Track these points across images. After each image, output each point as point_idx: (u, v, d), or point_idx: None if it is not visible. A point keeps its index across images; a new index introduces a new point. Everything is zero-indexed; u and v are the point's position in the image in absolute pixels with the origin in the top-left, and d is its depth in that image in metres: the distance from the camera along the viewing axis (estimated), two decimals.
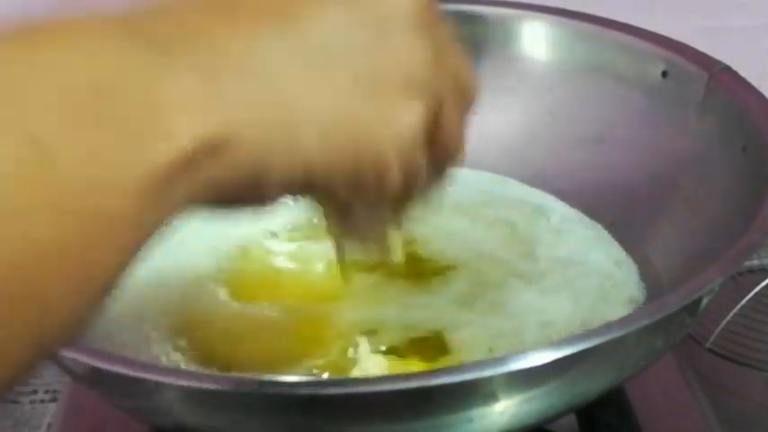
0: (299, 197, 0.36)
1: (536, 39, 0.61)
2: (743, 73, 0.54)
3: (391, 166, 0.34)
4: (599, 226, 0.57)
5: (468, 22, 0.62)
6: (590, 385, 0.42)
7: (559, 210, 0.58)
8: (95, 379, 0.42)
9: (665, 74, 0.56)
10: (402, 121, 0.34)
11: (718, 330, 0.62)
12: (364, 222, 0.39)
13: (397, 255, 0.41)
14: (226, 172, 0.30)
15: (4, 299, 0.26)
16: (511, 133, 0.61)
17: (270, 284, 0.54)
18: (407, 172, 0.35)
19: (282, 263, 0.56)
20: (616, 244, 0.55)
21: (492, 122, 0.61)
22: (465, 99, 0.37)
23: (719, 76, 0.54)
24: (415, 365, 0.48)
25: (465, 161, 0.38)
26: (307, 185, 0.33)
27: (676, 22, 0.61)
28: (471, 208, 0.58)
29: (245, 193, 0.32)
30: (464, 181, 0.42)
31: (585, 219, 0.57)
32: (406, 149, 0.34)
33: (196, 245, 0.55)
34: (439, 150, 0.36)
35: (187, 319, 0.51)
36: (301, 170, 0.32)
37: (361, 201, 0.36)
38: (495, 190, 0.59)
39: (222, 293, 0.53)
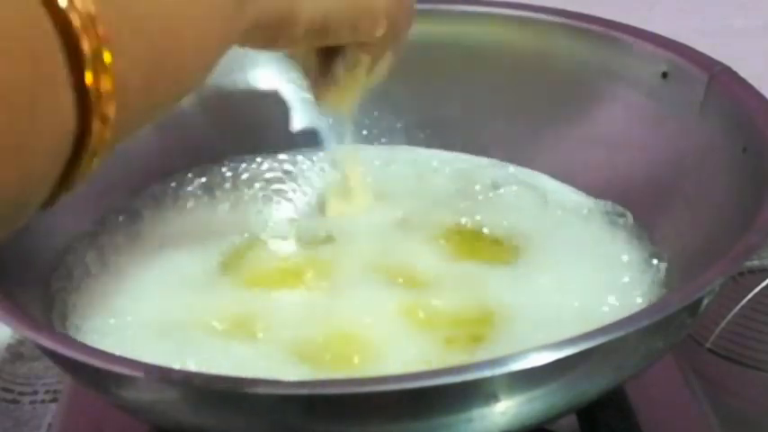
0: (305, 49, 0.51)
1: (536, 39, 0.61)
2: (743, 73, 0.54)
3: (380, 17, 0.49)
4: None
5: (468, 22, 0.62)
6: (590, 385, 0.42)
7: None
8: (95, 379, 0.43)
9: (665, 75, 0.56)
10: None
11: (718, 330, 0.62)
12: (342, 73, 0.52)
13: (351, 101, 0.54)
14: (265, 14, 0.43)
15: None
16: (511, 134, 0.61)
17: (275, 275, 0.54)
18: (391, 21, 0.49)
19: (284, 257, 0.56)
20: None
21: (493, 122, 0.61)
22: None
23: (720, 77, 0.54)
24: None
25: None
26: (322, 29, 0.47)
27: (676, 23, 0.61)
28: None
29: (278, 34, 0.45)
30: None
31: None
32: (392, 7, 0.49)
33: (195, 244, 0.55)
34: (400, 19, 0.50)
35: (188, 317, 0.51)
36: (321, 16, 0.46)
37: (355, 42, 0.50)
38: None
39: (225, 290, 0.53)
